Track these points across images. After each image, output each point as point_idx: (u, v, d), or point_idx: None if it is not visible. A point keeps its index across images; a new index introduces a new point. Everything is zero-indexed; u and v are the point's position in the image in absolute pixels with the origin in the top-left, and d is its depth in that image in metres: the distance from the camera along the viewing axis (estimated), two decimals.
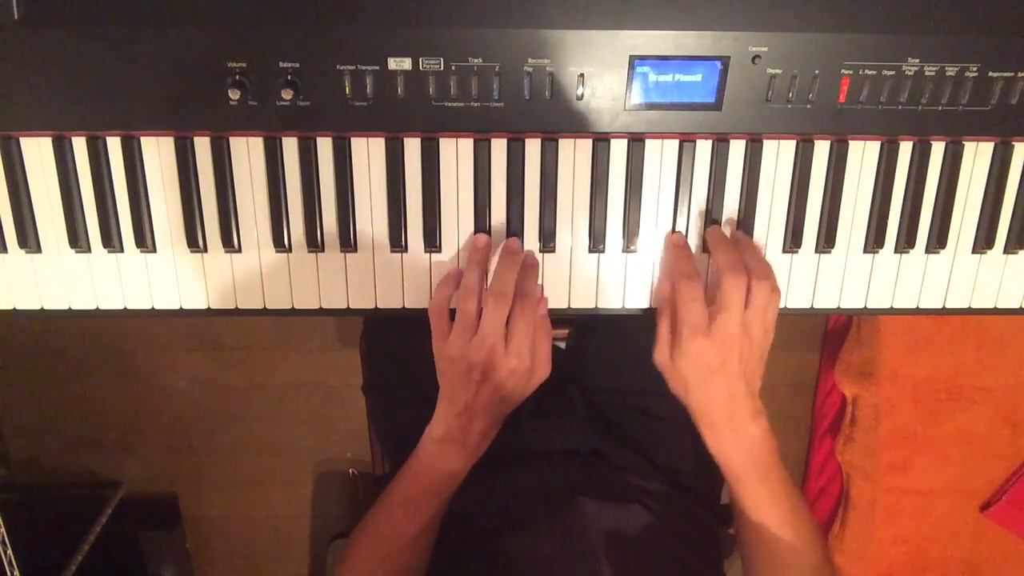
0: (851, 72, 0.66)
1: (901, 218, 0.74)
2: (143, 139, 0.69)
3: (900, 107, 0.67)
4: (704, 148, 0.71)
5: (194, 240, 0.70)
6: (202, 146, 0.69)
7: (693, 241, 0.73)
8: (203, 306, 0.73)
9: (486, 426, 0.71)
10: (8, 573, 1.34)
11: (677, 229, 0.73)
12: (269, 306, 0.73)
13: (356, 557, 0.76)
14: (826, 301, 0.75)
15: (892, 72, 0.66)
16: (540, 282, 0.73)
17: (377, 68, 0.64)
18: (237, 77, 0.64)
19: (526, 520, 0.76)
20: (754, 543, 0.72)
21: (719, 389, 0.66)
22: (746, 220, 0.73)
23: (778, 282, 0.69)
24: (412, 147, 0.69)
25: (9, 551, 1.33)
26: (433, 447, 0.72)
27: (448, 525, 0.77)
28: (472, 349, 0.66)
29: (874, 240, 0.73)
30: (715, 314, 0.65)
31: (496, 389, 0.68)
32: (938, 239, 0.74)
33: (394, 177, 0.70)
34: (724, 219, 0.73)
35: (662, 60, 0.65)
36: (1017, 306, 0.77)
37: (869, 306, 0.76)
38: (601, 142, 0.70)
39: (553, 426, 0.88)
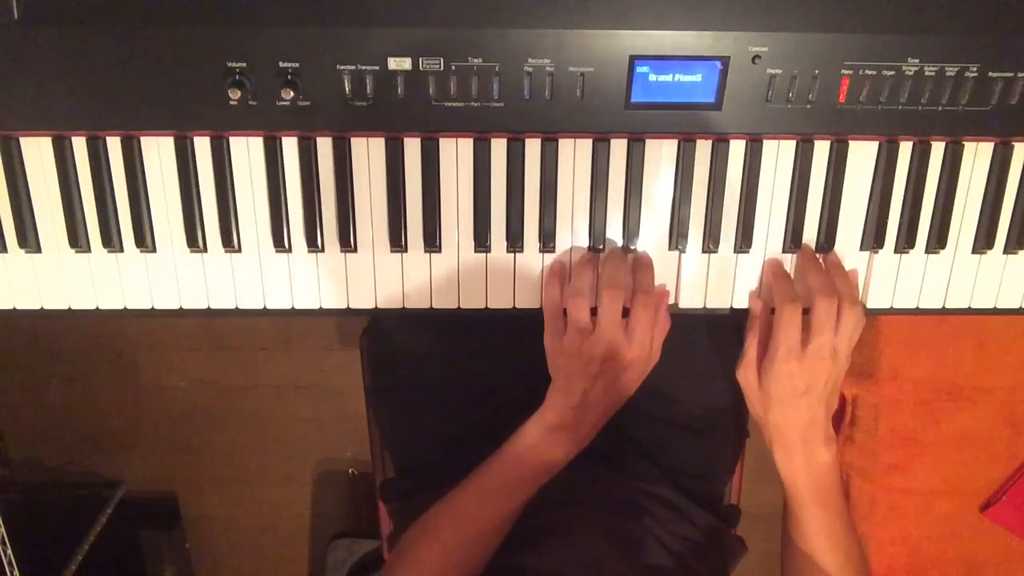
0: (851, 72, 0.66)
1: (901, 218, 0.73)
2: (143, 139, 0.69)
3: (900, 107, 0.67)
4: (704, 148, 0.71)
5: (194, 240, 0.70)
6: (202, 146, 0.69)
7: (695, 245, 0.73)
8: (203, 306, 0.73)
9: (598, 417, 0.72)
10: (8, 573, 1.34)
11: (678, 228, 0.72)
12: (269, 306, 0.73)
13: (438, 536, 0.75)
14: None
15: (892, 72, 0.66)
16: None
17: (377, 68, 0.64)
18: (237, 77, 0.64)
19: (541, 533, 0.76)
20: (799, 565, 0.73)
21: (801, 412, 0.68)
22: (746, 220, 0.72)
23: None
24: (412, 147, 0.69)
25: (9, 551, 1.33)
26: (541, 435, 0.72)
27: None
28: (592, 343, 0.68)
29: (874, 240, 0.73)
30: (808, 338, 0.67)
31: (614, 380, 0.70)
32: (938, 239, 0.74)
33: (394, 177, 0.70)
34: (724, 219, 0.72)
35: (662, 60, 0.65)
36: (1017, 306, 0.77)
37: (869, 306, 0.76)
38: (601, 142, 0.70)
39: None
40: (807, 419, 0.68)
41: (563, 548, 0.75)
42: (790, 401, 0.68)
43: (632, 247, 0.73)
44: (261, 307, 0.73)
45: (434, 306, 0.74)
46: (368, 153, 0.70)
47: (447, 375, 0.92)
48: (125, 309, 0.73)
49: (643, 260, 0.72)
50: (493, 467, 0.74)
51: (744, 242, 0.73)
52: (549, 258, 0.73)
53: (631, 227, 0.72)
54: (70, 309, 0.73)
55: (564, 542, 0.75)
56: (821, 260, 0.74)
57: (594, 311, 0.69)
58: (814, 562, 0.72)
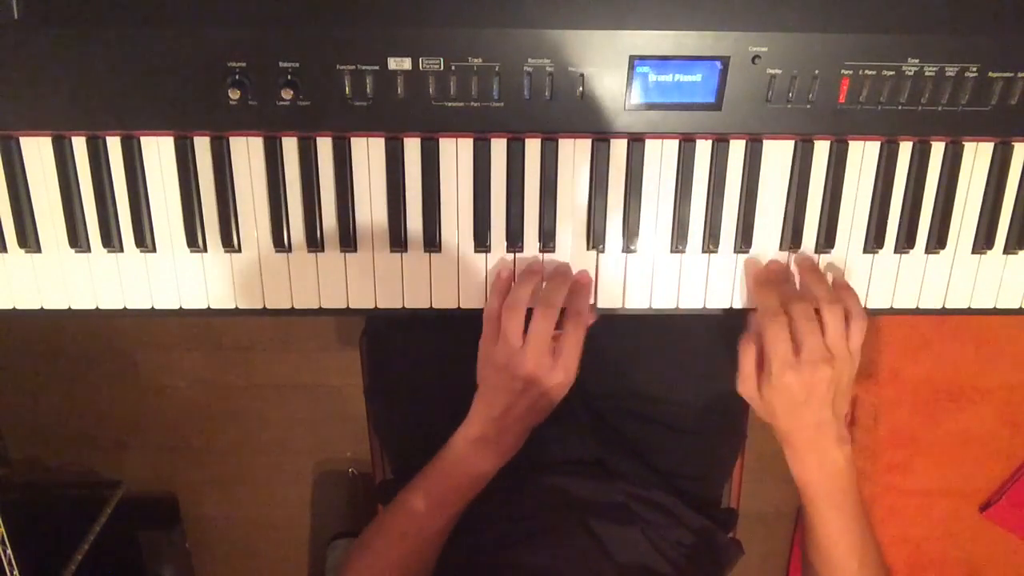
0: (851, 72, 0.66)
1: (901, 218, 0.74)
2: (143, 139, 0.69)
3: (900, 107, 0.67)
4: (704, 148, 0.71)
5: (194, 240, 0.70)
6: (202, 146, 0.69)
7: (695, 245, 0.73)
8: (203, 306, 0.73)
9: (520, 431, 0.73)
10: (8, 573, 1.34)
11: (678, 228, 0.72)
12: (269, 306, 0.73)
13: (366, 560, 0.76)
14: None
15: (892, 72, 0.66)
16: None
17: (377, 68, 0.64)
18: (237, 77, 0.64)
19: (532, 533, 0.76)
20: (819, 567, 0.73)
21: (806, 418, 0.68)
22: (746, 220, 0.72)
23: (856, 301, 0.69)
24: (412, 147, 0.69)
25: (9, 551, 1.33)
26: (466, 447, 0.73)
27: (453, 535, 0.77)
28: (518, 361, 0.68)
29: (874, 240, 0.73)
30: (798, 348, 0.66)
31: (536, 400, 0.70)
32: (938, 239, 0.74)
33: (394, 177, 0.70)
34: (724, 219, 0.72)
35: (662, 60, 0.65)
36: (1017, 306, 0.77)
37: (869, 306, 0.76)
38: (601, 142, 0.70)
39: (555, 436, 0.87)
40: (814, 424, 0.68)
41: (555, 547, 0.75)
42: (792, 409, 0.68)
43: (632, 247, 0.72)
44: (261, 307, 0.73)
45: (434, 306, 0.74)
46: (368, 153, 0.70)
47: (446, 375, 0.92)
48: (125, 309, 0.73)
49: (581, 282, 0.72)
50: (421, 483, 0.76)
51: (744, 242, 0.73)
52: (549, 258, 0.73)
53: (631, 227, 0.72)
54: (70, 309, 0.73)
55: (556, 542, 0.75)
56: (795, 268, 0.73)
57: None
58: (830, 567, 0.71)
